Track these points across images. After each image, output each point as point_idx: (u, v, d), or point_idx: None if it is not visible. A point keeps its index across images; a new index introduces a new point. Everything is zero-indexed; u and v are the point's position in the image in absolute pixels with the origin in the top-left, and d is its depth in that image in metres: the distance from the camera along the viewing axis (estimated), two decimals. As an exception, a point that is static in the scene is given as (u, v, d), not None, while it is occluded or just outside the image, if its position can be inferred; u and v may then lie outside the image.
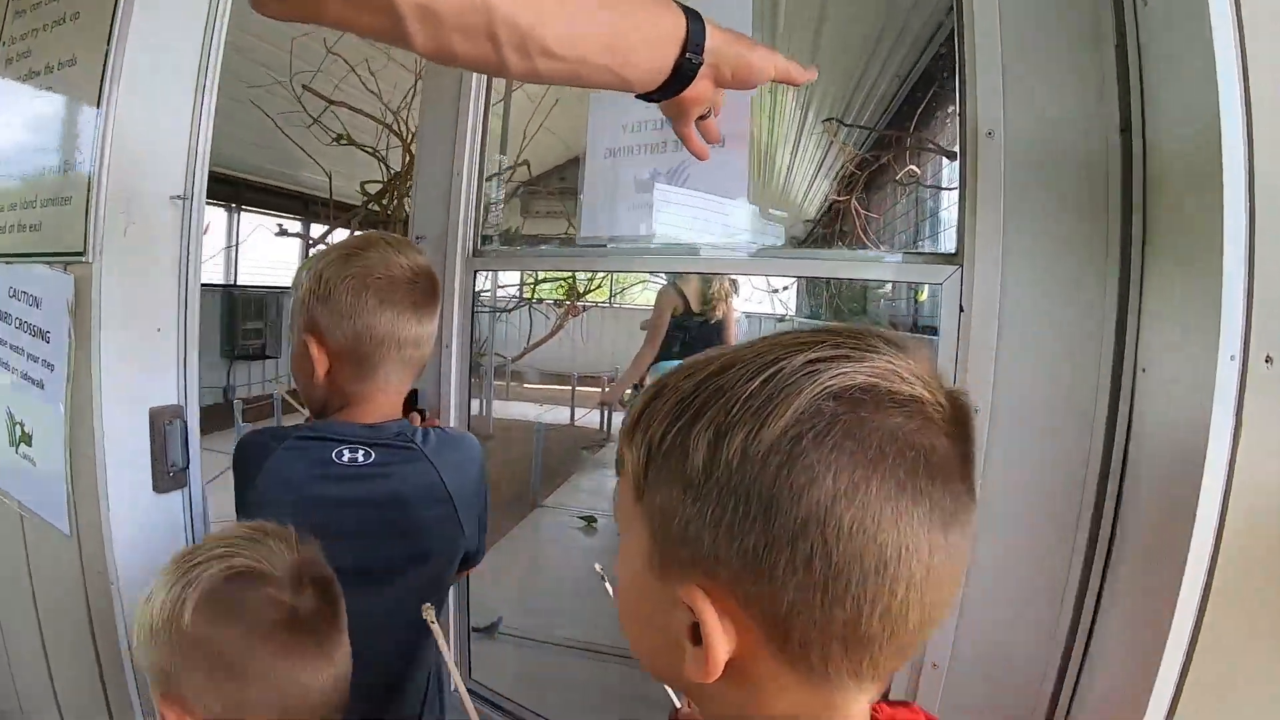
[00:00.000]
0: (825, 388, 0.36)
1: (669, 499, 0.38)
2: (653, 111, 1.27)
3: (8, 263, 1.13)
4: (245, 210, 6.97)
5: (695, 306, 3.41)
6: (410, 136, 4.62)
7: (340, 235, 5.85)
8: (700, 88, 0.64)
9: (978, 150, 0.95)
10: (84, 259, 1.04)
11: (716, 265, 1.53)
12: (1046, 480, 0.89)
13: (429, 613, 0.71)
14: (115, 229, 1.05)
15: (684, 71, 0.62)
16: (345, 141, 4.74)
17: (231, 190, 6.49)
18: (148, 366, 1.10)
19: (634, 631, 0.44)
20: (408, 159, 4.76)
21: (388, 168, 4.76)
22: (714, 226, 1.24)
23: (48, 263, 1.08)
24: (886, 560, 0.35)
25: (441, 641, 0.71)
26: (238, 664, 0.60)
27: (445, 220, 1.38)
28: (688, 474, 0.37)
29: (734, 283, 3.55)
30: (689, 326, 3.39)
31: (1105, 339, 0.86)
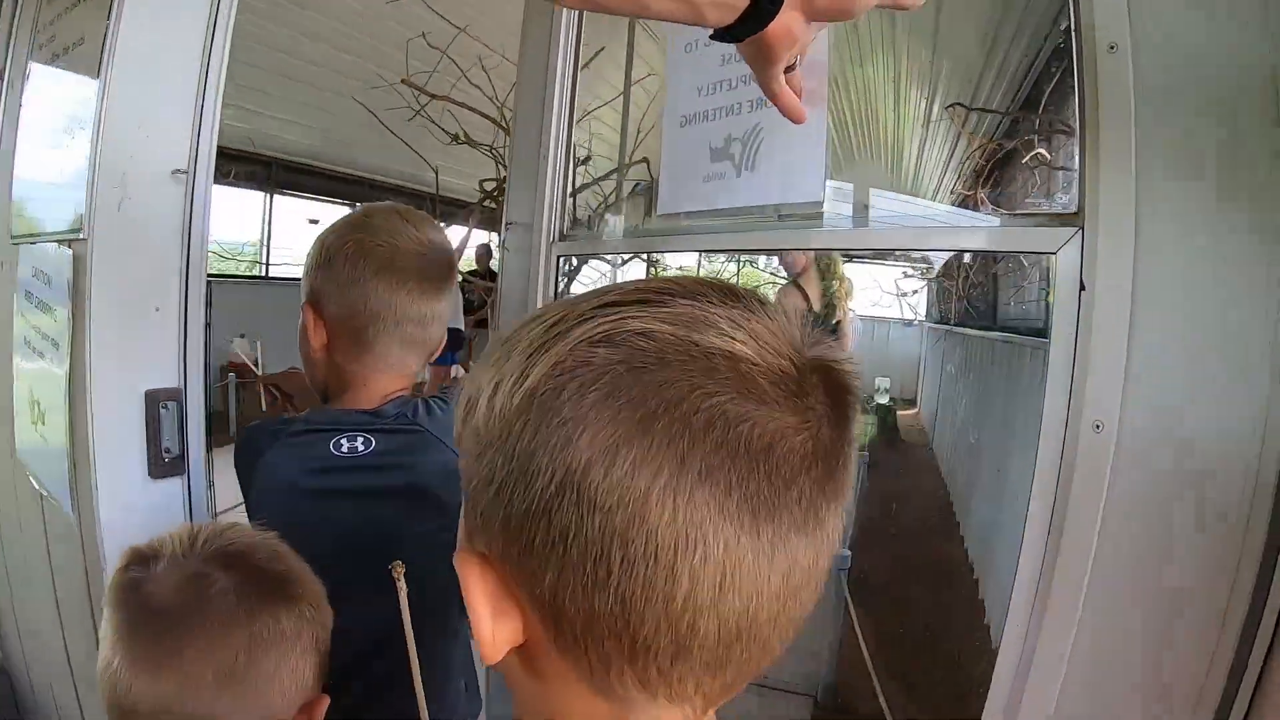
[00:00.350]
0: (598, 332, 0.31)
1: (467, 456, 0.34)
2: (728, 70, 1.09)
3: (32, 242, 1.14)
4: (374, 209, 7.34)
5: (816, 306, 3.13)
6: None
7: (453, 232, 6.09)
8: (788, 21, 0.51)
9: (1098, 72, 0.70)
10: (80, 235, 1.01)
11: (787, 240, 1.35)
12: (1189, 535, 0.64)
13: (398, 569, 0.64)
14: (108, 204, 1.01)
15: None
16: (462, 140, 4.89)
17: (357, 190, 6.87)
18: (144, 347, 1.06)
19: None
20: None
21: (501, 165, 4.86)
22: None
23: (56, 240, 1.07)
24: (658, 547, 0.29)
25: (404, 603, 0.64)
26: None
27: (532, 206, 1.35)
28: (475, 428, 0.34)
29: (850, 282, 3.30)
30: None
31: (1285, 328, 0.59)
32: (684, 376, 0.29)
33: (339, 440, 0.82)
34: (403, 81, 4.02)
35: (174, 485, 1.09)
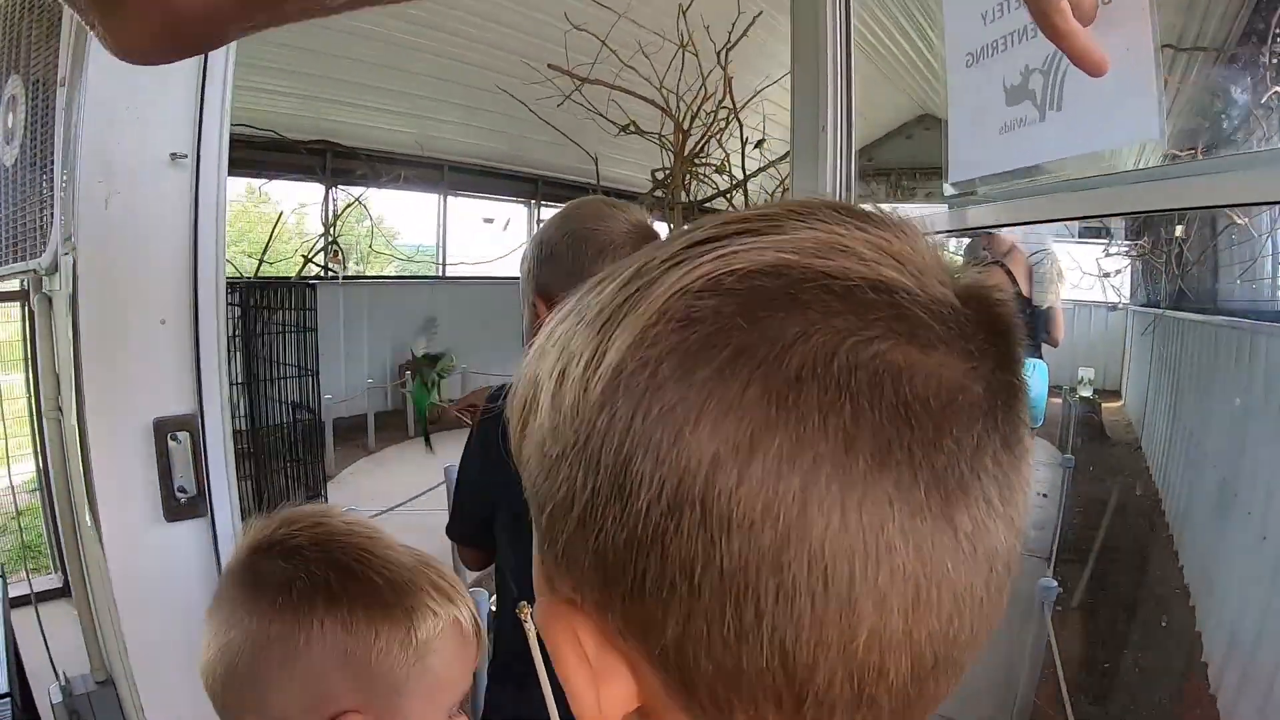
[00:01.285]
0: (698, 275, 0.22)
1: (531, 474, 0.26)
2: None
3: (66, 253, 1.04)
4: (545, 205, 7.54)
5: (1025, 289, 2.88)
6: (681, 115, 4.50)
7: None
8: None
9: None
10: (72, 240, 0.87)
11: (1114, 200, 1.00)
12: None
13: (524, 611, 0.58)
14: (93, 200, 0.86)
15: None
16: (632, 130, 4.78)
17: (527, 186, 7.05)
18: (149, 367, 0.90)
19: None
20: (680, 139, 4.66)
21: (669, 153, 4.70)
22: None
23: (68, 250, 0.95)
24: (828, 569, 0.21)
25: (535, 647, 0.54)
26: None
27: (815, 182, 1.26)
28: (540, 437, 0.25)
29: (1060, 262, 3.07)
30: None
31: None
32: (828, 320, 0.21)
33: None
34: (550, 67, 3.92)
35: (195, 529, 0.94)
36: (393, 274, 6.16)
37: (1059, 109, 0.79)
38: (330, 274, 4.43)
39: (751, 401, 0.21)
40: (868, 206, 0.25)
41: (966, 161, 0.95)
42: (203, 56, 0.91)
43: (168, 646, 0.94)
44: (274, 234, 4.17)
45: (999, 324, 0.24)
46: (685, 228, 0.25)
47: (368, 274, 5.86)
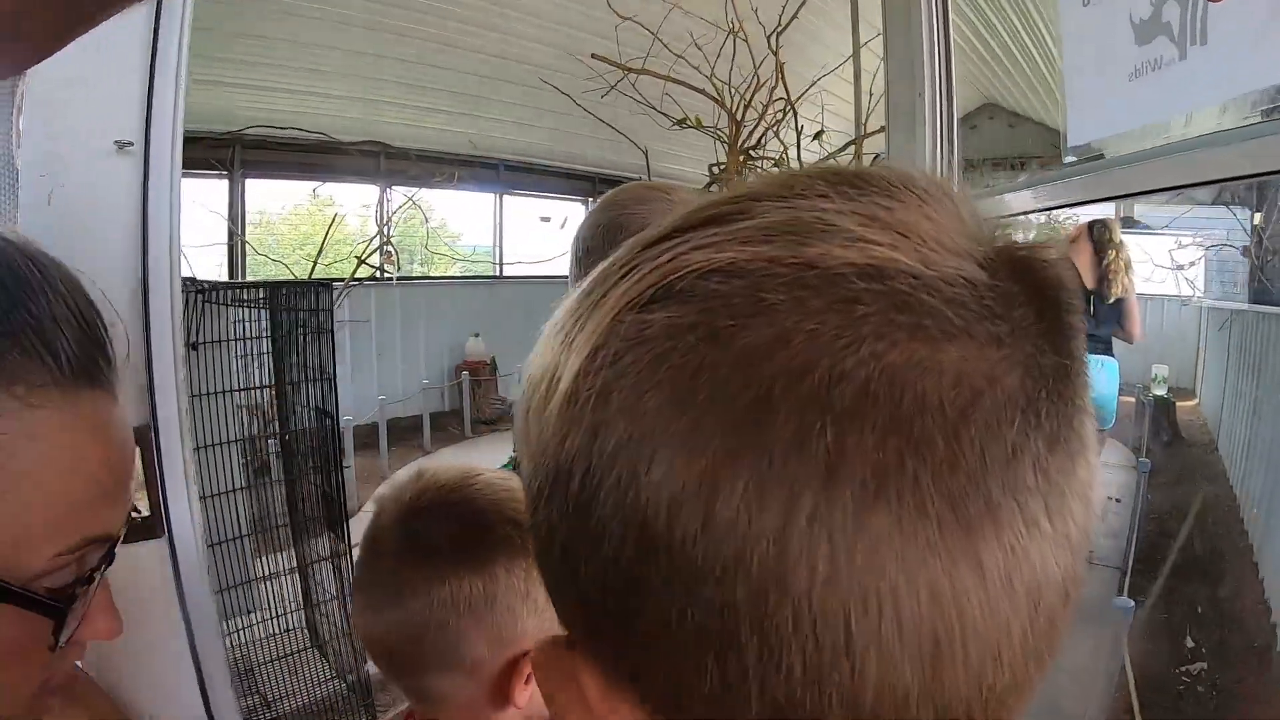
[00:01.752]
0: (649, 284, 0.20)
1: (529, 506, 0.25)
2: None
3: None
4: (601, 202, 7.51)
5: (1090, 282, 2.79)
6: (734, 105, 4.37)
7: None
8: None
9: None
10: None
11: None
12: None
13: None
14: (36, 196, 0.79)
15: None
16: (689, 124, 4.68)
17: (587, 185, 7.03)
18: (99, 376, 0.83)
19: None
20: (734, 130, 4.53)
21: (723, 145, 4.58)
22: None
23: (25, 248, 0.90)
24: (818, 622, 0.18)
25: None
26: None
27: (913, 153, 1.18)
28: (524, 467, 0.24)
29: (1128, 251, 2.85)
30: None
31: None
32: (802, 323, 0.18)
33: None
34: (593, 57, 3.85)
35: (152, 551, 0.87)
36: (456, 274, 6.24)
37: (1203, 42, 0.63)
38: (384, 275, 4.52)
39: (710, 432, 0.18)
40: (869, 170, 0.21)
41: (1090, 120, 0.81)
42: (151, 31, 0.84)
43: (124, 670, 0.87)
44: (328, 236, 4.30)
45: (1044, 291, 0.20)
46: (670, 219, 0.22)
47: (430, 274, 5.95)
